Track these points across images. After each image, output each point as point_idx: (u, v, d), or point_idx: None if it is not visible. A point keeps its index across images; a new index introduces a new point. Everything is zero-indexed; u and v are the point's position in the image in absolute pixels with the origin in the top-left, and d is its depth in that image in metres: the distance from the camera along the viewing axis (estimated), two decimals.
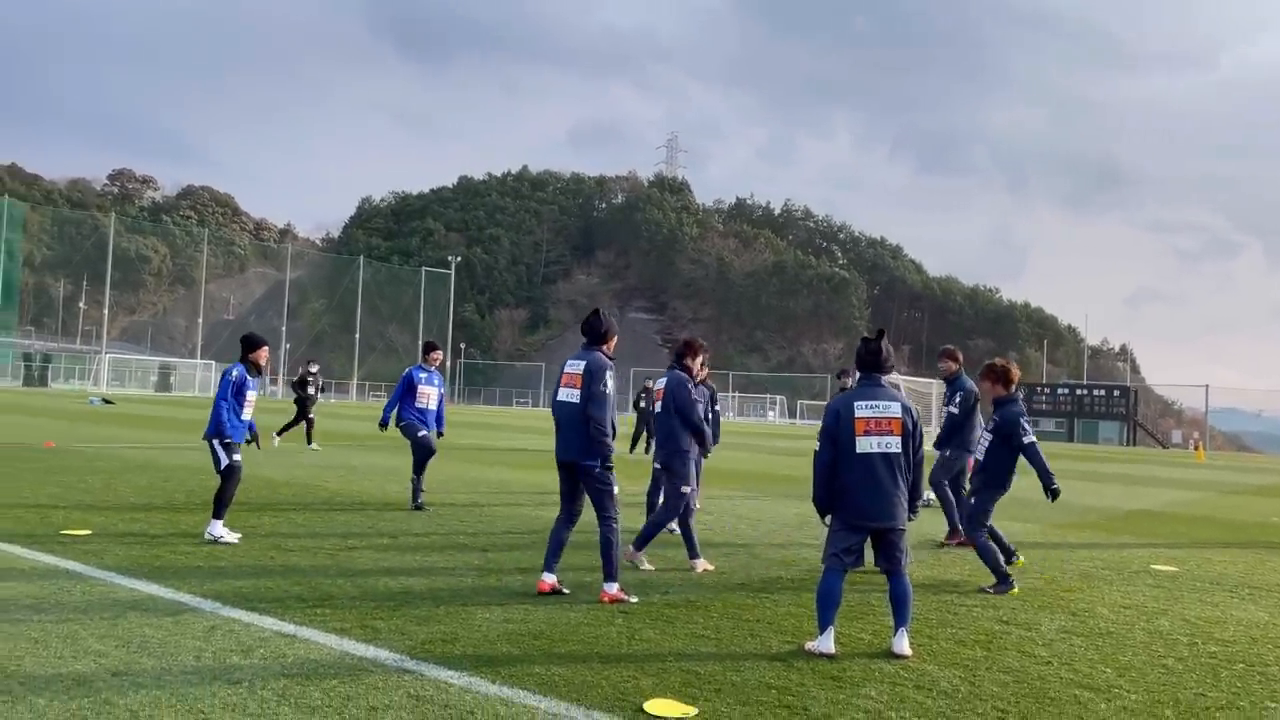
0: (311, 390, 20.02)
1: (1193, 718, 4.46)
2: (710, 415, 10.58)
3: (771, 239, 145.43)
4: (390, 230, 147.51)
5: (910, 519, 5.46)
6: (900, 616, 5.33)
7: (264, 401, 43.40)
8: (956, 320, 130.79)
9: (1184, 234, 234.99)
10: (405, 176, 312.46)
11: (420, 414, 10.63)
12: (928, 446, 6.67)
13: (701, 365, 9.99)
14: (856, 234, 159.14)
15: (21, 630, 4.95)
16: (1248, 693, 4.90)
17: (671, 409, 7.77)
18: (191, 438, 20.22)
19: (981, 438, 7.73)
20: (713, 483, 14.79)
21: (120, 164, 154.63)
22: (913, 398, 24.25)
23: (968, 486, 8.91)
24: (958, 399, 9.59)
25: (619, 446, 8.26)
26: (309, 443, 19.13)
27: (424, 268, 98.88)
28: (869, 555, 5.59)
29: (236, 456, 8.04)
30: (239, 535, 7.97)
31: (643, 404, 20.45)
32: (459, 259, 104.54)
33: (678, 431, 7.77)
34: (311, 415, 19.68)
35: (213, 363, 75.30)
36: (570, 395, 6.43)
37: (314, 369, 20.61)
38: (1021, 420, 7.40)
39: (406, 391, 10.72)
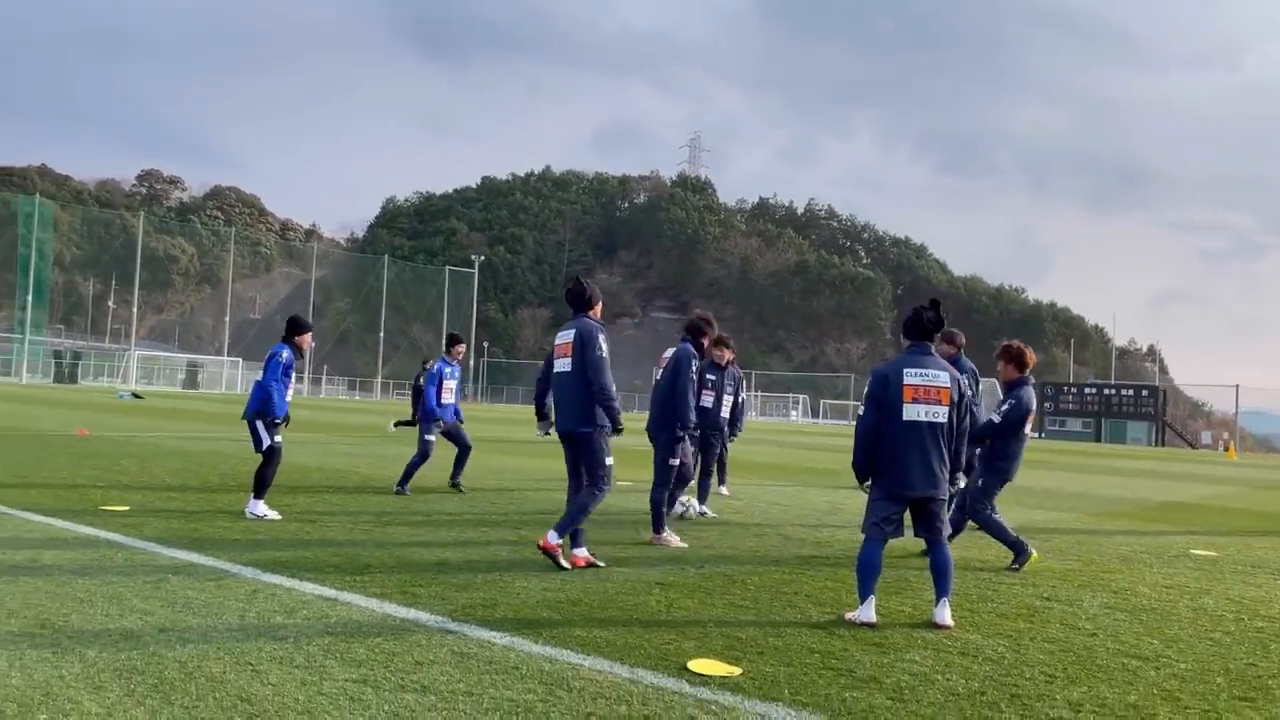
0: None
1: (1245, 685, 4.38)
2: (737, 403, 10.53)
3: (794, 239, 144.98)
4: (414, 230, 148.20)
5: (951, 490, 5.41)
6: (941, 587, 5.28)
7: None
8: (982, 320, 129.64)
9: (1210, 234, 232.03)
10: (429, 177, 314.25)
11: (441, 408, 10.67)
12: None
13: (720, 349, 10.00)
14: (880, 233, 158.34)
15: (67, 591, 4.99)
16: None
17: (668, 378, 7.79)
18: (220, 429, 20.40)
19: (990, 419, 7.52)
20: (740, 473, 14.75)
21: (148, 165, 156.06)
22: None
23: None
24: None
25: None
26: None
27: (448, 267, 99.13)
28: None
29: (278, 437, 8.11)
30: (278, 514, 8.02)
31: None
32: (482, 258, 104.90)
33: (668, 403, 7.75)
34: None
35: (239, 360, 75.98)
36: (565, 365, 6.42)
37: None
38: (1014, 401, 7.25)
39: (431, 385, 10.76)
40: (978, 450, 7.59)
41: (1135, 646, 4.99)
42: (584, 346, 6.34)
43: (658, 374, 7.95)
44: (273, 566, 5.89)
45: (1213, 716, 3.90)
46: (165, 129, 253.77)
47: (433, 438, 10.40)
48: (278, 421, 8.08)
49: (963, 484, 6.17)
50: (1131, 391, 66.41)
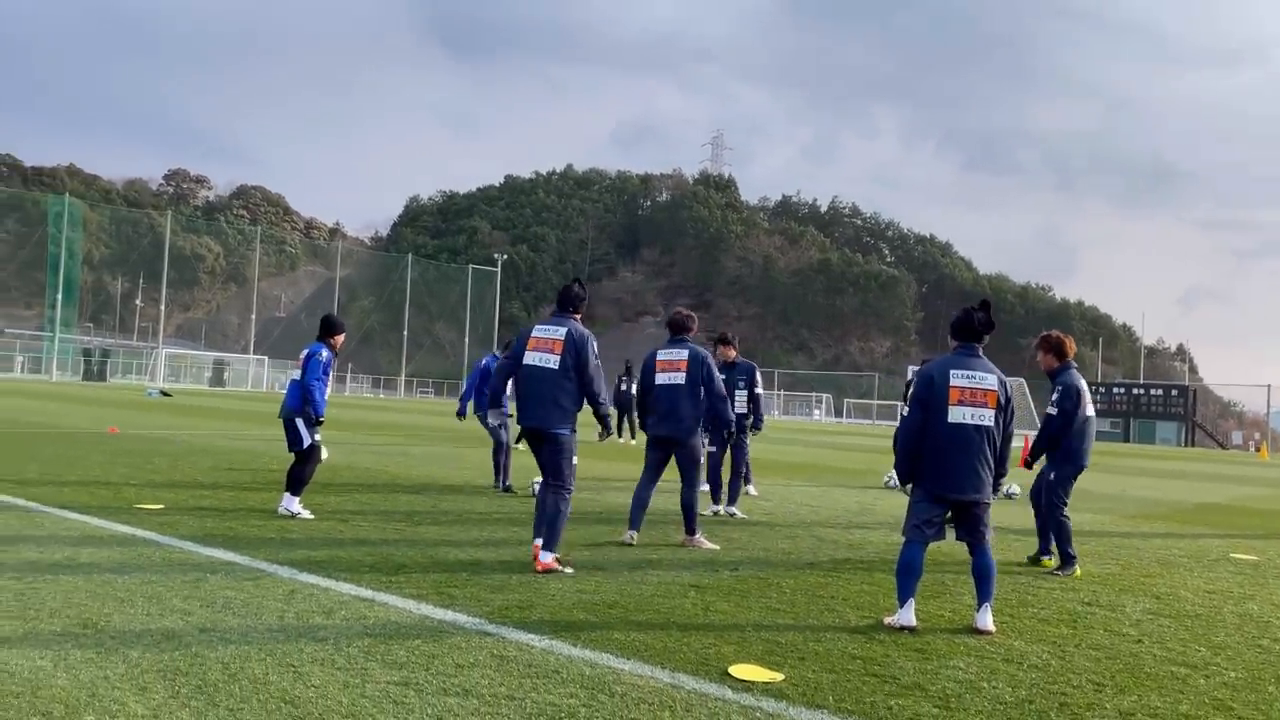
0: (625, 387, 20.83)
1: None
2: (754, 397, 10.31)
3: (817, 237, 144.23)
4: (437, 229, 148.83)
5: (994, 496, 5.33)
6: (983, 592, 5.21)
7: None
8: (1009, 319, 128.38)
9: (1240, 232, 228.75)
10: (452, 175, 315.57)
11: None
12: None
13: (724, 347, 9.93)
14: (905, 231, 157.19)
15: (107, 590, 5.02)
16: None
17: (703, 378, 7.50)
18: (249, 427, 20.54)
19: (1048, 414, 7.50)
20: (766, 473, 14.67)
21: (175, 164, 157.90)
22: None
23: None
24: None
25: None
26: (633, 437, 20.20)
27: (471, 266, 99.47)
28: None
29: (317, 436, 8.15)
30: (311, 513, 8.04)
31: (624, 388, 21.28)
32: (505, 257, 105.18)
33: (686, 403, 7.45)
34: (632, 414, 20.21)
35: (265, 359, 76.53)
36: (546, 360, 6.28)
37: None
38: (1062, 388, 7.24)
39: (482, 380, 10.76)
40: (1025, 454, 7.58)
41: (1182, 654, 4.90)
42: (580, 351, 6.27)
43: (663, 377, 7.58)
44: (309, 566, 5.89)
45: None
46: (192, 129, 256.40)
47: (497, 423, 10.36)
48: (321, 420, 8.15)
49: (1005, 490, 6.13)
50: (1160, 391, 65.57)
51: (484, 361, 10.96)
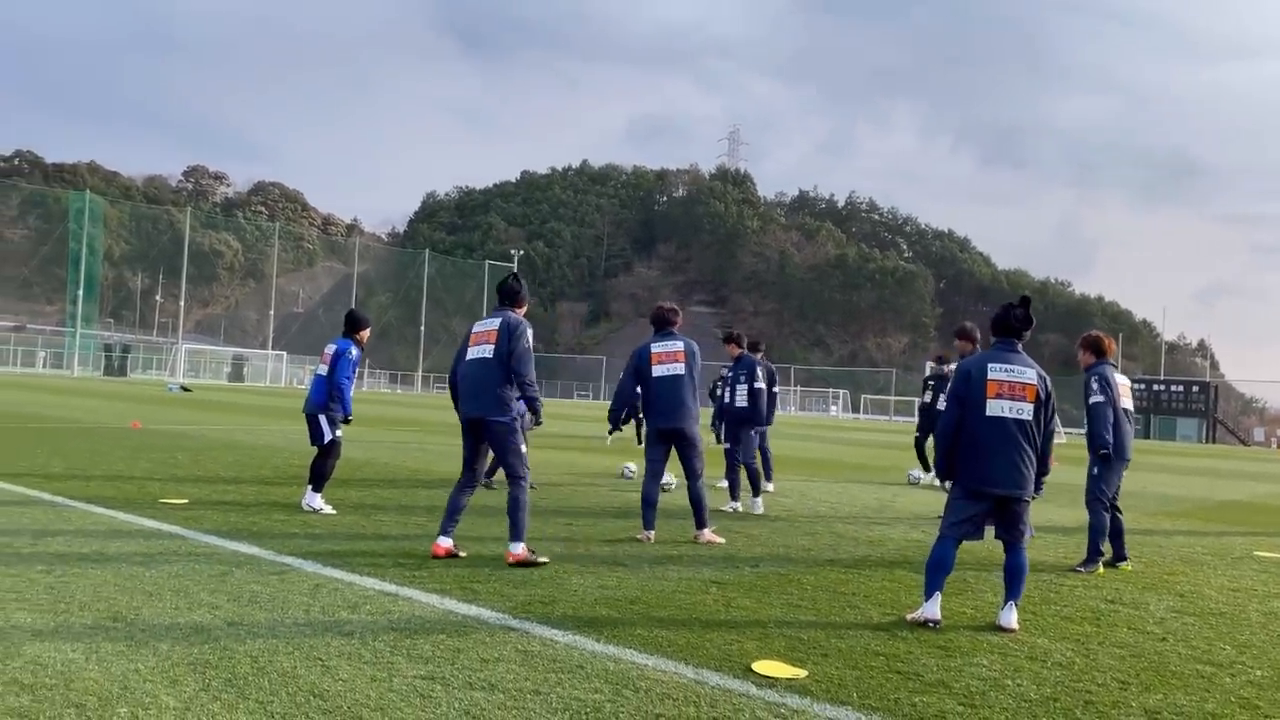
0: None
1: None
2: (754, 390, 10.20)
3: (834, 232, 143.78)
4: (454, 225, 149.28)
5: (1036, 495, 5.27)
6: (1013, 590, 5.19)
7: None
8: None
9: (1261, 227, 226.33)
10: (468, 171, 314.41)
11: None
12: None
13: (729, 345, 9.96)
14: (922, 226, 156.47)
15: (135, 584, 5.08)
16: None
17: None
18: (269, 422, 20.69)
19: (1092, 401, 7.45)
20: (784, 470, 14.66)
21: (194, 161, 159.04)
22: None
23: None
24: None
25: (705, 436, 8.05)
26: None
27: (487, 261, 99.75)
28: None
29: (339, 432, 8.22)
30: (332, 509, 8.10)
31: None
32: (521, 253, 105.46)
33: (689, 399, 7.48)
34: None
35: (284, 354, 76.98)
36: (483, 352, 6.37)
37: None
38: (1091, 379, 7.24)
39: None
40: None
41: (1207, 652, 4.87)
42: (510, 338, 6.31)
43: (661, 369, 7.53)
44: (332, 560, 5.94)
45: None
46: (210, 126, 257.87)
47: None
48: (349, 419, 8.21)
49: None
50: (1181, 387, 65.05)
51: None
